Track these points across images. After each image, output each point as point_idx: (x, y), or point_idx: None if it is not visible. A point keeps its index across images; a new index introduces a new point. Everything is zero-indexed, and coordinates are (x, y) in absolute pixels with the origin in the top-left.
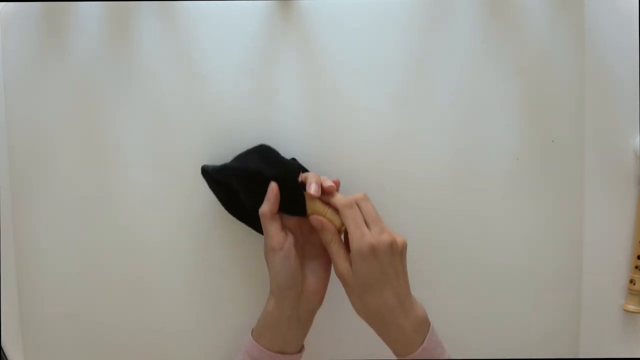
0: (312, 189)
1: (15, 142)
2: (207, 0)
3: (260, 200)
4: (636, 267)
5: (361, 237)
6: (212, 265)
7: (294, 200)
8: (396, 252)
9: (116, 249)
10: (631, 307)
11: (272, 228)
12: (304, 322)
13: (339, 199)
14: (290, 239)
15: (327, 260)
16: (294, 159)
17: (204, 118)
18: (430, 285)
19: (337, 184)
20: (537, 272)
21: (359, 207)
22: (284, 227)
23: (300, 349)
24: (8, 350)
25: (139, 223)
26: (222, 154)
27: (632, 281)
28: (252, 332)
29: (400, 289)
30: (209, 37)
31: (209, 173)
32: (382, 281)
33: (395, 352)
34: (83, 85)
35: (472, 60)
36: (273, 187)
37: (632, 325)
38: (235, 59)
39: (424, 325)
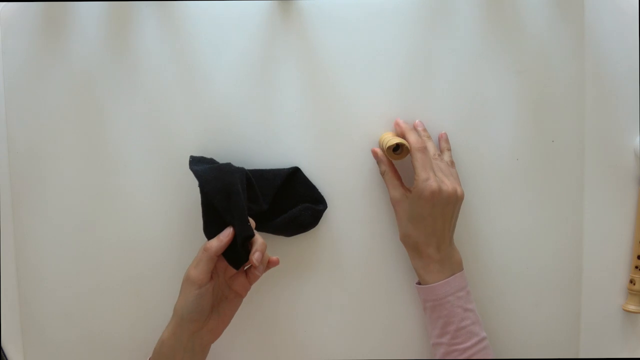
0: (255, 257)
1: (15, 142)
2: (207, 0)
3: (210, 224)
4: (636, 267)
5: (425, 180)
6: None
7: (236, 255)
8: (452, 202)
9: (116, 249)
10: (631, 307)
11: (205, 265)
12: (198, 354)
13: (414, 140)
14: (213, 282)
15: (234, 306)
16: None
17: (204, 118)
18: None
19: (276, 262)
20: (537, 272)
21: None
22: (215, 268)
23: None
24: (8, 350)
25: (139, 223)
26: (222, 154)
27: (632, 281)
28: None
29: (441, 232)
30: (209, 37)
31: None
32: (428, 221)
33: (420, 277)
34: (83, 85)
35: (472, 60)
36: (229, 232)
37: (632, 325)
38: (235, 59)
39: (455, 266)
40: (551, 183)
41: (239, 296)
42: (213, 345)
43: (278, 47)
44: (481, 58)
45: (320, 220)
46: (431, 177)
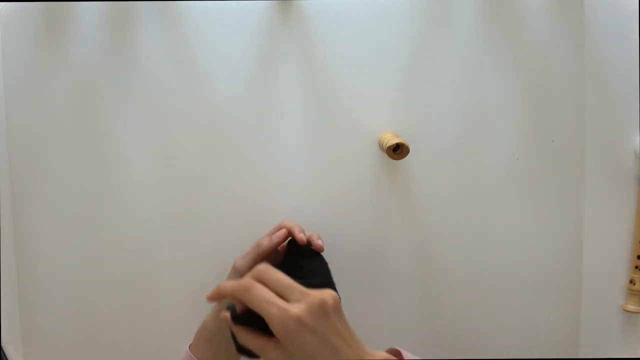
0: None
1: (15, 142)
2: (207, 0)
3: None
4: (636, 267)
5: (280, 312)
6: (211, 266)
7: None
8: (330, 311)
9: (115, 249)
10: (631, 307)
11: (251, 259)
12: None
13: (229, 289)
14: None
15: None
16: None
17: (204, 118)
18: (430, 285)
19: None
20: (537, 272)
21: (262, 282)
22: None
23: None
24: (8, 350)
25: (139, 223)
26: (222, 154)
27: (632, 281)
28: (189, 346)
29: (347, 349)
30: (210, 37)
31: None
32: (324, 352)
33: None
34: (83, 85)
35: (472, 61)
36: (283, 233)
37: (632, 325)
38: (235, 59)
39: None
40: (551, 183)
41: None
42: None
43: (278, 47)
44: (481, 58)
45: (320, 221)
46: (281, 307)
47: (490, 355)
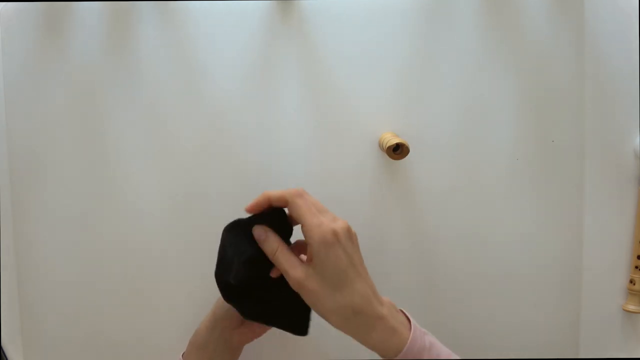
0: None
1: (15, 142)
2: (207, 0)
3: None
4: (636, 267)
5: (320, 224)
6: (212, 267)
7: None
8: (353, 237)
9: (116, 249)
10: (631, 307)
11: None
12: (229, 349)
13: (287, 191)
14: None
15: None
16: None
17: (204, 118)
18: (429, 285)
19: None
20: (537, 272)
21: None
22: None
23: None
24: (8, 350)
25: (139, 223)
26: (222, 154)
27: (632, 281)
28: (182, 355)
29: (367, 277)
30: (210, 37)
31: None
32: (351, 271)
33: (383, 352)
34: (83, 85)
35: (472, 60)
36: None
37: (632, 325)
38: (235, 59)
39: (398, 311)
40: (551, 183)
41: None
42: None
43: (278, 47)
44: (481, 58)
45: None
46: (322, 220)
47: (490, 355)
